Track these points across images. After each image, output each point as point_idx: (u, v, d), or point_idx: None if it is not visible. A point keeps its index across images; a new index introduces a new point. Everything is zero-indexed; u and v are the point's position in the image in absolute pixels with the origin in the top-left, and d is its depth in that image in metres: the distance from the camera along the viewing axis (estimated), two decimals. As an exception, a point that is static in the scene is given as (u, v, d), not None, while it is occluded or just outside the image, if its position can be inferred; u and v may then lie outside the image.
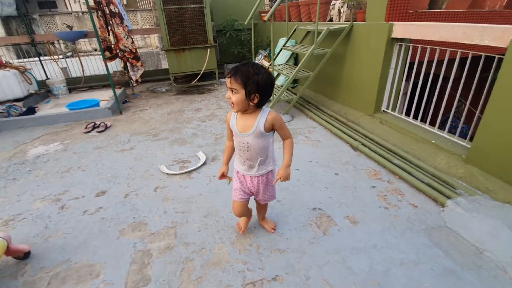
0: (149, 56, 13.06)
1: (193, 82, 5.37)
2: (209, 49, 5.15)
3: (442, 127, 2.70)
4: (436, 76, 2.59)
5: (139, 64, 4.86)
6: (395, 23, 2.75)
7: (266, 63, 5.29)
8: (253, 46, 4.16)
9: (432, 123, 2.69)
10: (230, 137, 1.47)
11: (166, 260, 1.59)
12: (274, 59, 4.15)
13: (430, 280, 1.39)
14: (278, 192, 1.93)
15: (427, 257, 1.52)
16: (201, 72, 5.25)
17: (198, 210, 2.00)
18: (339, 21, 4.27)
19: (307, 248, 1.62)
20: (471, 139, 2.23)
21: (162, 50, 5.79)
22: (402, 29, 2.69)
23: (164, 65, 11.92)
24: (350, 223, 1.79)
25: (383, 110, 3.18)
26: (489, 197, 1.88)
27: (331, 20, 4.42)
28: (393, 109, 3.09)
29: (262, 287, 1.41)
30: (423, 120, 2.82)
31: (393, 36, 2.79)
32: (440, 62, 2.49)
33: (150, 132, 3.45)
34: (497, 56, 2.01)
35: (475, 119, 2.36)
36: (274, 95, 3.50)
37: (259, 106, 1.30)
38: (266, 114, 1.31)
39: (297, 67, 3.33)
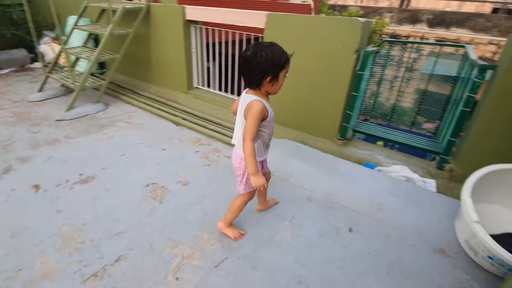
0: None
1: None
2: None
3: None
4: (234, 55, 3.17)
5: None
6: (186, 6, 3.05)
7: (56, 47, 4.38)
8: (31, 25, 3.31)
9: (235, 93, 3.33)
10: (255, 135, 1.25)
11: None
12: (66, 42, 3.52)
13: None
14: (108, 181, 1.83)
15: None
16: None
17: (-4, 233, 1.56)
18: (139, 1, 4.16)
19: (146, 221, 1.69)
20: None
21: None
22: (193, 12, 3.04)
23: None
24: (182, 185, 2.00)
25: (196, 87, 3.55)
26: (275, 138, 2.64)
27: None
28: (203, 85, 3.52)
29: (106, 273, 1.37)
30: (229, 91, 3.42)
31: (187, 18, 3.09)
32: (234, 43, 3.06)
33: None
34: (261, 35, 2.73)
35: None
36: (77, 83, 3.05)
37: None
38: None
39: (98, 49, 3.03)
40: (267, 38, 2.55)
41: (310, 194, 1.97)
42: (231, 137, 2.56)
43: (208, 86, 3.53)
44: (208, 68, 3.55)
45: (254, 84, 1.26)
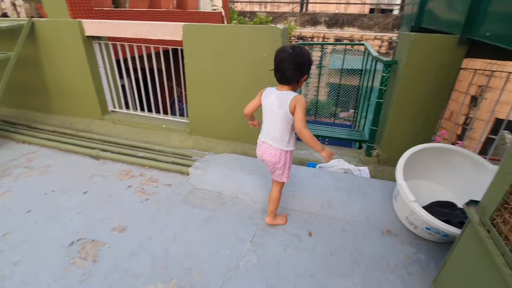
0: None
1: None
2: None
3: (172, 111, 3.13)
4: (152, 70, 2.87)
5: None
6: (83, 20, 2.62)
7: None
8: None
9: (160, 111, 3.03)
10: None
11: None
12: None
13: (193, 234, 1.68)
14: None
15: (190, 219, 1.80)
16: None
17: None
18: (18, 16, 3.43)
19: (81, 282, 1.35)
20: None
21: None
22: (94, 27, 2.64)
23: None
24: (118, 233, 1.69)
25: (112, 110, 3.12)
26: (213, 153, 2.50)
27: (5, 15, 3.45)
28: (120, 107, 3.12)
29: None
30: (152, 110, 3.10)
31: (87, 34, 2.67)
32: (150, 57, 2.76)
33: None
34: (179, 47, 2.54)
35: (184, 99, 2.95)
36: None
37: None
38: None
39: (-34, 81, 2.34)
40: (186, 50, 2.40)
41: (263, 206, 1.92)
42: (166, 162, 2.32)
43: (127, 107, 3.14)
44: (123, 86, 3.16)
45: (293, 81, 1.40)
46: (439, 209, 1.74)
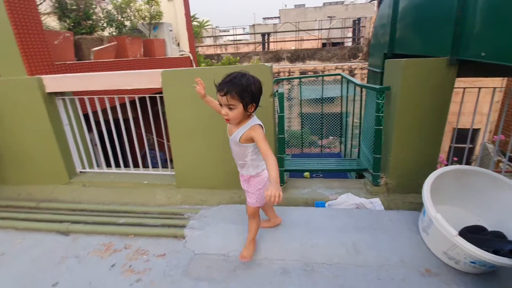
0: None
1: None
2: None
3: (145, 162, 2.79)
4: (119, 120, 2.57)
5: None
6: (43, 76, 2.33)
7: None
8: None
9: (136, 164, 2.69)
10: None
11: None
12: None
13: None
14: None
15: (200, 299, 1.45)
16: None
17: None
18: None
19: None
20: (173, 167, 2.49)
21: None
22: (56, 83, 2.35)
23: None
24: (107, 337, 1.28)
25: (80, 172, 2.71)
26: (207, 206, 2.20)
27: None
28: (91, 166, 2.73)
29: None
30: (125, 164, 2.75)
31: (48, 91, 2.36)
32: (115, 108, 2.49)
33: None
34: (158, 95, 2.33)
35: (166, 147, 2.66)
36: None
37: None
38: (248, 127, 1.32)
39: None
40: (167, 95, 2.19)
41: (283, 265, 1.63)
42: (155, 225, 1.96)
43: (98, 166, 2.76)
44: (93, 142, 2.79)
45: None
46: (473, 236, 1.59)
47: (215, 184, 2.36)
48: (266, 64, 2.03)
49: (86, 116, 2.66)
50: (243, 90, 1.21)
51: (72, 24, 3.40)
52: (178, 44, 5.84)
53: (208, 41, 18.47)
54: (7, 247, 1.94)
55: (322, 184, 2.44)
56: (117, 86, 2.23)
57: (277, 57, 10.12)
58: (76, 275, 1.65)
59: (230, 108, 1.25)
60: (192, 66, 5.52)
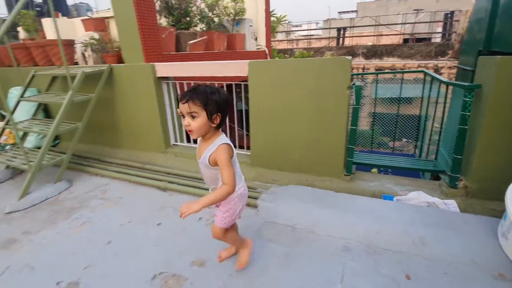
0: None
1: None
2: None
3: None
4: None
5: None
6: (156, 63, 2.88)
7: (-4, 124, 3.75)
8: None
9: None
10: None
11: None
12: (11, 116, 3.00)
13: (276, 272, 1.56)
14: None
15: (269, 254, 1.70)
16: None
17: None
18: (86, 64, 3.89)
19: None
20: (248, 148, 2.81)
21: None
22: (165, 69, 2.88)
23: None
24: (198, 267, 1.63)
25: (173, 144, 3.26)
26: (277, 185, 2.44)
27: (76, 64, 3.93)
28: (182, 141, 3.25)
29: None
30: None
31: (158, 75, 2.91)
32: None
33: None
34: (242, 83, 2.65)
35: (235, 132, 3.00)
36: (31, 162, 2.53)
37: (219, 127, 1.25)
38: (216, 146, 1.22)
39: (56, 120, 2.61)
40: (252, 83, 2.48)
41: (345, 243, 1.76)
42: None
43: (188, 141, 3.27)
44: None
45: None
46: None
47: (285, 167, 2.58)
48: (346, 57, 2.13)
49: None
50: (207, 98, 1.14)
51: (174, 21, 4.02)
52: (256, 39, 6.22)
53: (280, 36, 18.76)
54: (124, 194, 2.53)
55: (392, 180, 2.43)
56: (212, 73, 2.63)
57: (351, 52, 9.76)
58: (173, 221, 2.09)
59: (193, 117, 1.16)
60: (266, 59, 5.84)
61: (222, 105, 1.19)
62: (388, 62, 8.98)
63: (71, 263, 1.73)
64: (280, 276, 1.55)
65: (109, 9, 4.92)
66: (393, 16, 17.92)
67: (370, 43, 13.20)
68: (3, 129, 2.99)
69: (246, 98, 2.60)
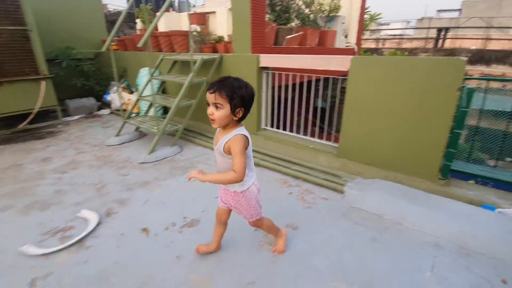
0: None
1: (22, 125, 3.98)
2: (43, 82, 4.02)
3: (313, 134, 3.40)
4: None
5: None
6: (260, 55, 3.25)
7: (127, 95, 4.74)
8: (116, 75, 3.63)
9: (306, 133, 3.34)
10: None
11: None
12: (142, 91, 3.79)
13: (363, 251, 1.72)
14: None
15: (355, 235, 1.86)
16: (34, 112, 3.99)
17: (124, 285, 1.50)
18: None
19: (272, 269, 1.58)
20: (335, 141, 2.95)
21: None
22: (267, 60, 3.22)
23: None
24: (292, 230, 1.90)
25: (263, 128, 3.62)
26: (362, 178, 2.54)
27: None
28: (272, 126, 3.59)
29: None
30: (300, 131, 3.45)
31: (260, 65, 3.28)
32: (293, 86, 3.16)
33: (-27, 205, 2.24)
34: (340, 77, 2.80)
35: (334, 124, 3.15)
36: (156, 127, 3.19)
37: (240, 120, 1.29)
38: (232, 135, 1.24)
39: (180, 95, 3.22)
40: (352, 77, 2.60)
41: (436, 240, 1.80)
42: (318, 177, 2.49)
43: (277, 127, 3.59)
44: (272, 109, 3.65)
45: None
46: None
47: (373, 162, 2.65)
48: (461, 57, 2.09)
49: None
50: (234, 91, 1.17)
51: (275, 17, 4.37)
52: (346, 36, 6.18)
53: (366, 35, 17.77)
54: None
55: (494, 192, 2.27)
56: (312, 66, 2.85)
57: (451, 56, 8.71)
58: (268, 189, 2.40)
59: (217, 107, 1.20)
60: (356, 58, 5.77)
61: (247, 100, 1.22)
62: (497, 70, 7.73)
63: (192, 205, 2.20)
64: (368, 256, 1.69)
65: (203, 5, 5.55)
66: (508, 19, 15.10)
67: (474, 47, 11.50)
68: (137, 100, 3.78)
69: (324, 96, 2.74)
